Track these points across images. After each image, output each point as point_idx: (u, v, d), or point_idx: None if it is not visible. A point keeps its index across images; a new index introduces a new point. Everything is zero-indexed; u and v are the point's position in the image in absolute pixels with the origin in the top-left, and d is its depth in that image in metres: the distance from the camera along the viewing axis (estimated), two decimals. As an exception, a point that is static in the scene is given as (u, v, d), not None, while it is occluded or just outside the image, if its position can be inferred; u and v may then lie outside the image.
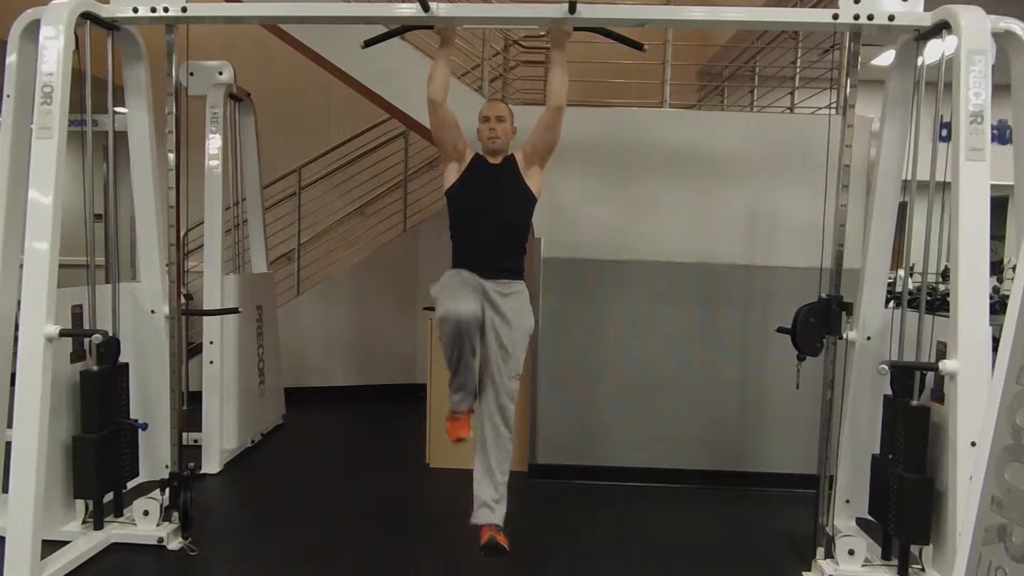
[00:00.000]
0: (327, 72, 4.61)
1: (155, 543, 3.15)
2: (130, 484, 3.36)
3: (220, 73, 4.34)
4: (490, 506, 2.83)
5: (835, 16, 2.83)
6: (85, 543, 3.05)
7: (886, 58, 4.07)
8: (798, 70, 4.89)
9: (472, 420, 2.91)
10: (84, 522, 3.17)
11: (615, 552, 3.30)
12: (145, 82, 3.33)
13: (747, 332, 4.13)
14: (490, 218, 2.95)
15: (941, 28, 2.72)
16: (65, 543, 3.02)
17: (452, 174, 3.04)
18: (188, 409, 3.67)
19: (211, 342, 4.26)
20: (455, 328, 2.66)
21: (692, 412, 4.18)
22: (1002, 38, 2.69)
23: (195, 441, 4.24)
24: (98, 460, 3.08)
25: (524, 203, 3.03)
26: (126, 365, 3.31)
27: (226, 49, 4.91)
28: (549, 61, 3.06)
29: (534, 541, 3.42)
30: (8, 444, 2.72)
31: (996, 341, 1.52)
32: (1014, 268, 5.15)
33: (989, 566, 1.37)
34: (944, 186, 2.71)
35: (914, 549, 2.86)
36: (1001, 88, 2.65)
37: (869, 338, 3.19)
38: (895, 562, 2.94)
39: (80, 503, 3.18)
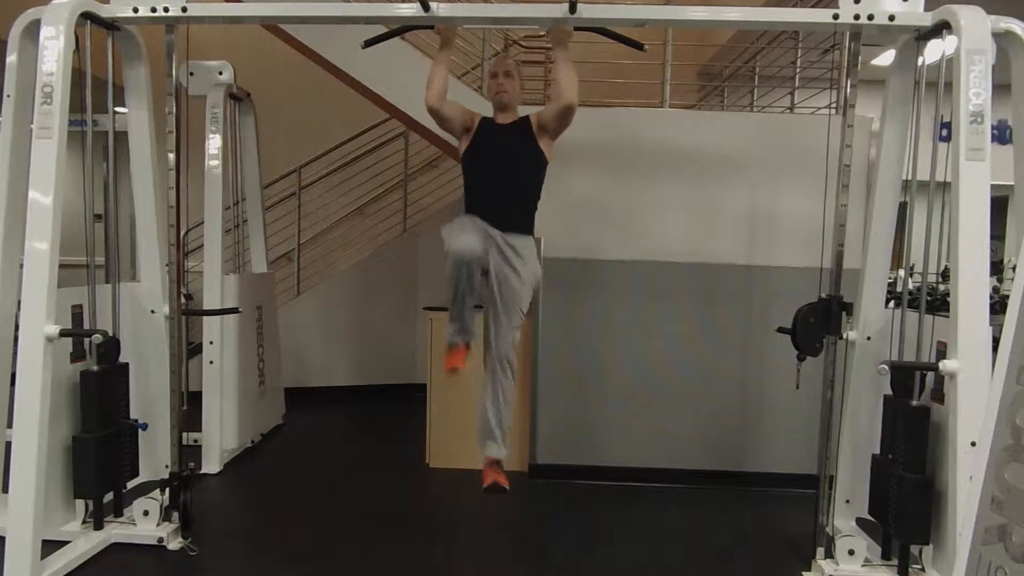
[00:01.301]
0: (327, 72, 4.61)
1: (155, 543, 3.15)
2: (130, 484, 3.36)
3: (220, 73, 4.34)
4: (495, 439, 2.99)
5: (835, 16, 2.83)
6: (85, 543, 3.05)
7: (886, 58, 4.06)
8: (798, 70, 4.89)
9: (470, 356, 3.05)
10: (84, 522, 3.17)
11: (615, 552, 3.30)
12: (145, 82, 3.33)
13: (747, 332, 4.12)
14: (500, 175, 3.05)
15: (941, 28, 2.72)
16: (65, 543, 3.01)
17: (465, 142, 3.15)
18: (188, 409, 3.66)
19: (211, 342, 4.26)
20: (455, 263, 2.79)
21: (692, 412, 4.18)
22: (1002, 38, 2.69)
23: (195, 441, 4.24)
24: (98, 460, 3.09)
25: (534, 163, 3.10)
26: (126, 365, 3.31)
27: (226, 49, 4.91)
28: (554, 62, 3.06)
29: (534, 541, 3.43)
30: (8, 444, 2.72)
31: (996, 341, 1.51)
32: (1014, 268, 5.15)
33: (989, 566, 1.37)
34: (944, 186, 2.71)
35: (914, 549, 2.86)
36: (1001, 88, 2.65)
37: (869, 338, 3.18)
38: (895, 562, 2.94)
39: (80, 503, 3.18)
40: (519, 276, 2.98)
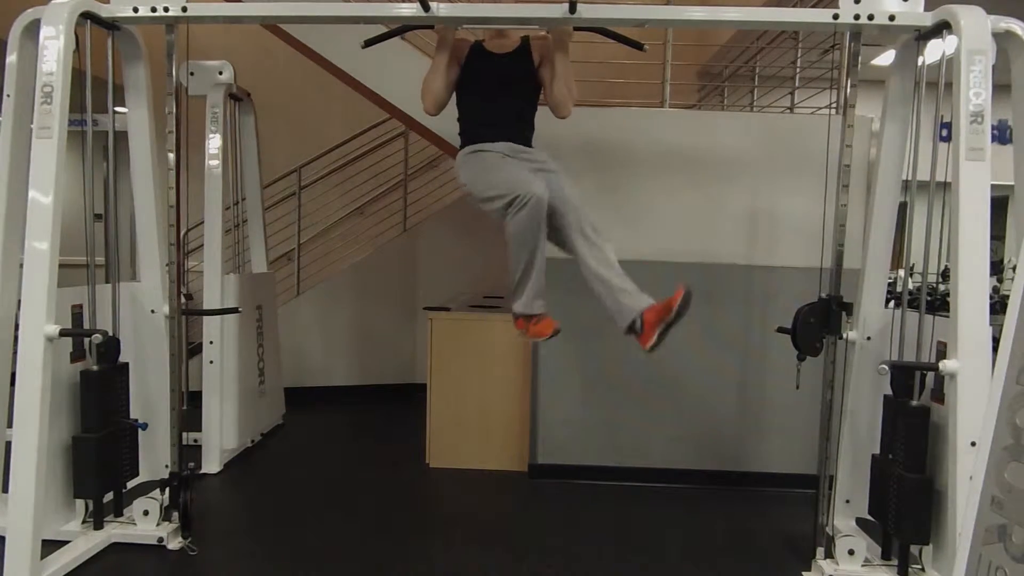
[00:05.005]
0: (327, 72, 4.60)
1: (155, 543, 3.15)
2: (130, 484, 3.36)
3: (220, 73, 4.34)
4: (633, 294, 2.88)
5: (835, 16, 2.83)
6: (85, 543, 3.05)
7: (886, 58, 4.07)
8: (798, 70, 4.89)
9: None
10: (84, 522, 3.17)
11: (615, 552, 3.30)
12: (145, 82, 3.33)
13: (747, 332, 4.12)
14: (502, 101, 3.00)
15: (941, 28, 2.72)
16: (65, 543, 3.02)
17: (456, 71, 3.10)
18: (188, 409, 3.67)
19: (211, 342, 4.26)
20: (532, 211, 2.53)
21: (692, 412, 4.18)
22: (1002, 38, 2.69)
23: (195, 441, 4.24)
24: (98, 460, 3.08)
25: (534, 92, 3.09)
26: (126, 365, 3.31)
27: (226, 49, 4.91)
28: (552, 65, 3.06)
29: (534, 541, 3.43)
30: (8, 444, 2.72)
31: (996, 341, 1.52)
32: (1014, 268, 5.15)
33: (989, 566, 1.37)
34: (944, 186, 2.71)
35: (914, 549, 2.86)
36: (1001, 88, 2.65)
37: (869, 338, 3.19)
38: (895, 562, 2.94)
39: (80, 503, 3.18)
40: (561, 177, 2.91)
